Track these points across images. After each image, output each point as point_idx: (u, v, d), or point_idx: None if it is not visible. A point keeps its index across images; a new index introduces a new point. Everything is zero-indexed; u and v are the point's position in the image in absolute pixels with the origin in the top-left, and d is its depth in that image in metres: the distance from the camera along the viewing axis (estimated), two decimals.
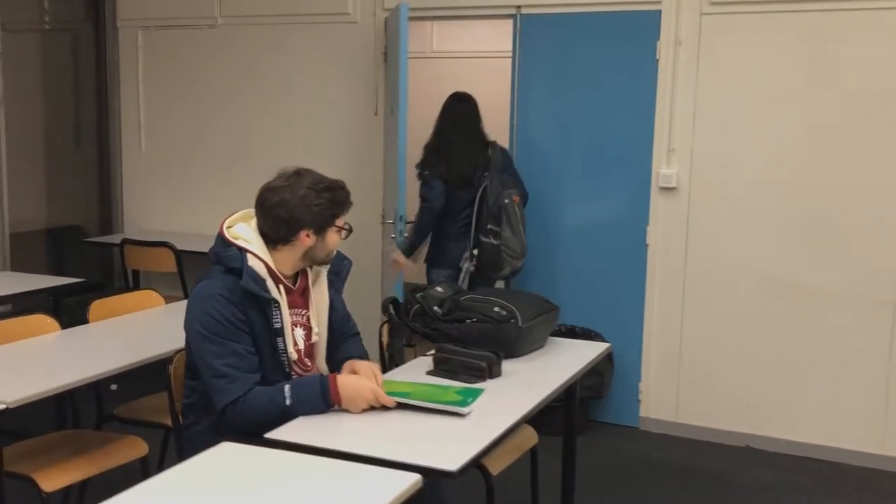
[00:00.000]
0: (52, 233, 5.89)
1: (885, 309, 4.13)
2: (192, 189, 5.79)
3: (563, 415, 3.16)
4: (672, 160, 4.47)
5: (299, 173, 2.51)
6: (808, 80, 4.19)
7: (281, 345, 2.50)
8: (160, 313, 3.58)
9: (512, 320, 2.86)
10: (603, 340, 4.50)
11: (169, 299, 4.06)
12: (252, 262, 2.44)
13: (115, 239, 5.48)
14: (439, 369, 2.76)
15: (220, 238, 2.51)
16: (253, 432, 2.24)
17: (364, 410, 2.37)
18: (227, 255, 2.45)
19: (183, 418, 2.61)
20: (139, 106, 5.87)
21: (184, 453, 2.50)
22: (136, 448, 3.02)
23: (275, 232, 2.48)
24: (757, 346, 4.39)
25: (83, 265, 5.85)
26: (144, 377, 3.02)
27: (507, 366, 2.77)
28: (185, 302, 3.82)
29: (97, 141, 6.00)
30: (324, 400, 2.36)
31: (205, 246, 5.11)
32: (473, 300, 3.00)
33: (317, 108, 5.35)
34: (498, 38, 5.98)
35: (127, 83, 5.89)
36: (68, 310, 4.26)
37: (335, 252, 2.63)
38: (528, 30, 4.70)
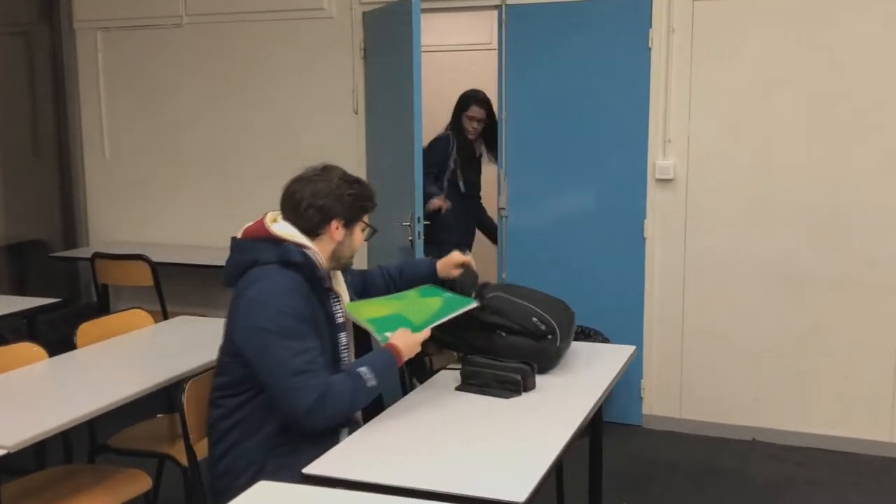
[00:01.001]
0: (13, 249, 5.56)
1: (892, 296, 4.08)
2: (163, 197, 5.53)
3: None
4: (668, 151, 4.36)
5: (328, 167, 2.50)
6: (807, 65, 4.11)
7: (343, 339, 2.49)
8: (152, 334, 3.36)
9: (550, 336, 2.68)
10: (603, 338, 4.40)
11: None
12: (314, 255, 2.41)
13: (83, 253, 5.20)
14: (469, 384, 2.60)
15: (266, 237, 2.41)
16: (332, 426, 2.33)
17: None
18: (286, 250, 2.38)
19: (216, 445, 2.42)
20: (101, 111, 5.58)
21: (220, 484, 2.39)
22: (139, 482, 2.80)
23: (307, 221, 2.43)
24: (761, 338, 4.32)
25: (48, 282, 5.55)
26: (134, 401, 2.78)
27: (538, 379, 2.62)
28: (178, 319, 3.66)
29: (57, 149, 5.69)
30: (396, 366, 2.43)
31: (180, 257, 5.09)
32: (507, 303, 2.75)
33: (293, 109, 5.14)
34: (474, 30, 5.85)
35: (87, 87, 5.61)
36: (42, 333, 4.00)
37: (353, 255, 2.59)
38: (514, 21, 4.54)
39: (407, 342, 2.46)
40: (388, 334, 2.48)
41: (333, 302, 2.48)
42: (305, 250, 2.40)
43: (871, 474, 3.99)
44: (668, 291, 4.45)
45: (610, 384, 2.65)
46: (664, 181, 4.37)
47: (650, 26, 4.30)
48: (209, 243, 5.30)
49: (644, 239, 4.44)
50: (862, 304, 4.13)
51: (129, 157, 5.59)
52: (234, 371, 2.37)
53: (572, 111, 4.51)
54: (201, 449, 2.56)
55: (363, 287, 2.82)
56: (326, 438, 2.35)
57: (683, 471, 4.07)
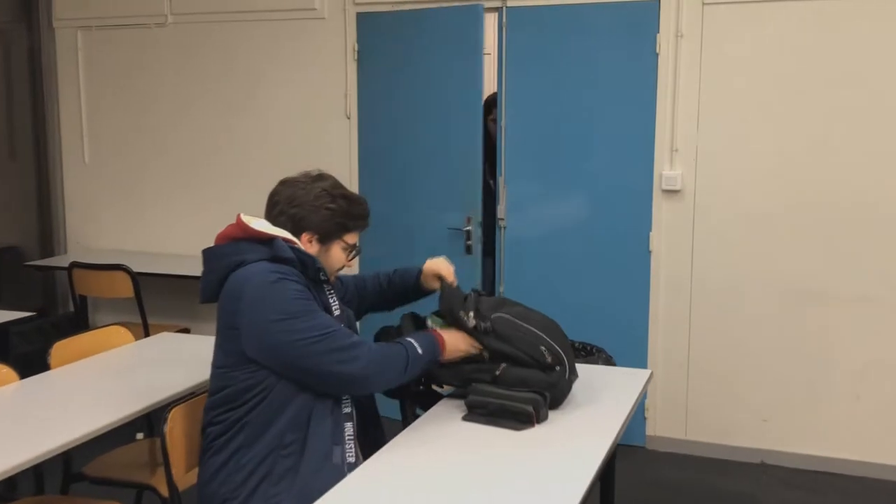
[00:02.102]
0: None
1: None
2: (145, 203, 5.31)
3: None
4: (675, 161, 4.18)
5: (322, 176, 2.36)
6: (820, 72, 3.94)
7: None
8: (132, 353, 3.13)
9: (558, 367, 2.43)
10: (606, 356, 4.21)
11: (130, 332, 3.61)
12: (302, 247, 2.27)
13: (61, 261, 4.96)
14: (476, 413, 2.40)
15: (249, 237, 2.24)
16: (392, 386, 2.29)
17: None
18: (276, 246, 2.22)
19: (214, 457, 2.21)
20: (81, 113, 5.36)
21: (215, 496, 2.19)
22: None
23: (280, 227, 2.29)
24: (770, 357, 4.15)
25: (24, 291, 5.31)
26: None
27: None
28: (160, 337, 3.43)
29: (34, 152, 5.46)
30: (439, 354, 2.35)
31: (163, 267, 4.85)
32: (512, 328, 2.43)
33: (282, 113, 4.93)
34: None
35: (66, 88, 5.38)
36: (16, 345, 3.77)
37: (336, 275, 2.41)
38: (515, 24, 4.35)
39: (455, 338, 2.38)
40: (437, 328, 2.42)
41: (329, 294, 2.33)
42: (294, 245, 2.25)
43: (887, 501, 3.82)
44: (674, 307, 4.28)
45: (627, 416, 2.45)
46: (671, 192, 4.20)
47: (658, 31, 4.13)
48: (194, 252, 4.98)
49: (649, 252, 4.27)
50: (877, 322, 3.97)
51: (111, 160, 5.37)
52: (237, 380, 2.18)
53: (575, 118, 4.33)
54: (185, 479, 2.35)
55: (357, 294, 2.66)
56: (336, 432, 2.22)
57: (689, 495, 3.90)
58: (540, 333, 2.45)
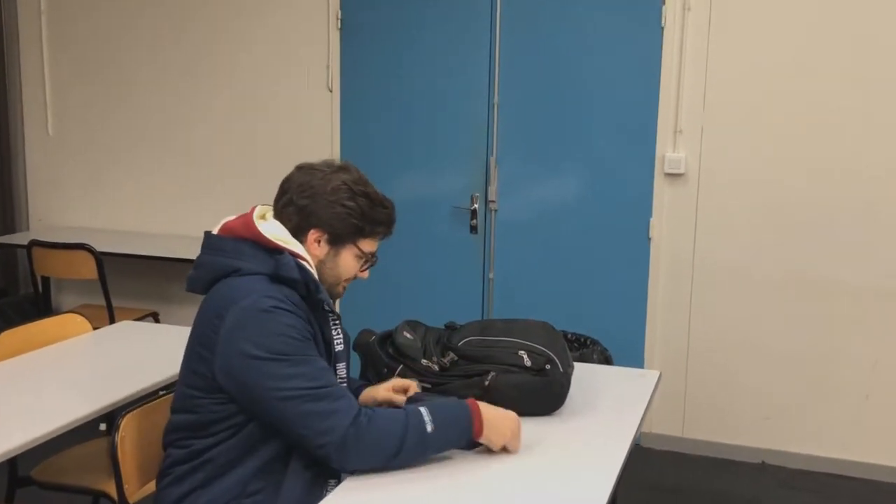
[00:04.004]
0: None
1: None
2: (113, 178, 5.01)
3: None
4: (679, 143, 3.94)
5: (345, 167, 2.03)
6: (837, 49, 3.70)
7: (342, 371, 2.00)
8: (89, 344, 2.85)
9: (548, 366, 2.21)
10: (601, 348, 3.99)
11: (94, 316, 3.33)
12: (311, 269, 1.94)
13: (21, 239, 4.66)
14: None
15: (253, 239, 1.92)
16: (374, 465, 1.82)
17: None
18: (283, 263, 1.89)
19: (170, 488, 1.94)
20: (44, 82, 5.05)
21: None
22: None
23: (285, 221, 1.97)
24: (774, 351, 3.94)
25: None
26: None
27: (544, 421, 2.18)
28: (121, 325, 3.14)
29: None
30: (468, 431, 1.88)
31: (130, 246, 4.53)
32: (480, 345, 2.27)
33: (259, 83, 4.64)
34: None
35: (28, 56, 5.06)
36: None
37: (347, 284, 2.08)
38: None
39: (502, 423, 1.93)
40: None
41: (333, 325, 1.99)
42: (302, 262, 1.92)
43: None
44: (674, 297, 4.05)
45: (639, 425, 2.22)
46: (673, 176, 3.96)
47: (663, 3, 3.87)
48: (165, 231, 4.82)
49: (649, 239, 4.03)
50: (888, 317, 3.77)
51: (76, 133, 5.05)
52: (206, 410, 1.88)
53: (573, 95, 4.07)
54: (143, 490, 2.10)
55: None
56: (315, 488, 1.91)
57: (685, 497, 3.71)
58: (518, 340, 2.26)
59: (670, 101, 3.92)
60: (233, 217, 1.98)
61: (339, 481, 1.90)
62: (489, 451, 1.95)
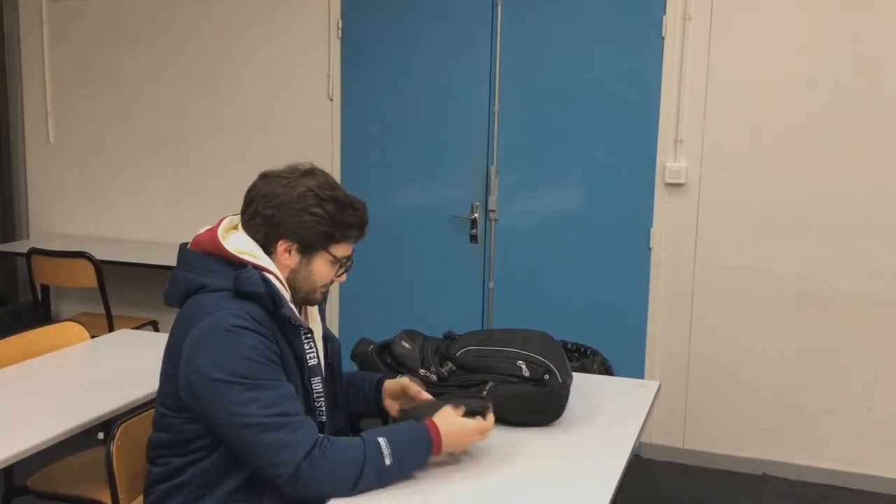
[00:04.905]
0: None
1: None
2: (113, 187, 5.00)
3: None
4: (680, 152, 3.93)
5: (311, 171, 1.93)
6: (837, 58, 3.69)
7: (318, 385, 1.93)
8: (86, 353, 2.84)
9: (547, 376, 2.20)
10: (601, 358, 3.97)
11: (93, 324, 3.32)
12: (276, 282, 1.86)
13: (21, 247, 4.65)
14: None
15: (217, 253, 1.88)
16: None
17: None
18: (244, 277, 1.83)
19: None
20: (45, 90, 5.05)
21: None
22: None
23: (252, 233, 1.91)
24: (775, 362, 3.91)
25: None
26: None
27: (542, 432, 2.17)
28: (119, 334, 3.13)
29: None
30: (427, 454, 1.85)
31: (131, 255, 4.52)
32: (478, 355, 2.27)
33: (259, 93, 4.64)
34: None
35: (29, 63, 5.07)
36: None
37: (326, 290, 2.00)
38: (510, 4, 4.08)
39: (452, 426, 1.88)
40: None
41: (305, 339, 1.92)
42: (267, 275, 1.86)
43: None
44: (675, 307, 4.03)
45: (638, 436, 2.20)
46: (674, 186, 3.95)
47: (664, 13, 3.87)
48: (164, 239, 4.81)
49: (649, 249, 4.02)
50: (890, 328, 3.74)
51: (76, 141, 5.05)
52: (177, 429, 1.86)
53: (573, 105, 4.06)
54: (138, 498, 2.08)
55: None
56: None
57: None
58: (517, 350, 2.26)
59: (671, 111, 3.91)
60: (204, 229, 1.95)
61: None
62: (487, 461, 1.94)
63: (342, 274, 1.98)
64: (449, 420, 1.89)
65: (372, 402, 2.16)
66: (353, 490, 1.76)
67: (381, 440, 1.79)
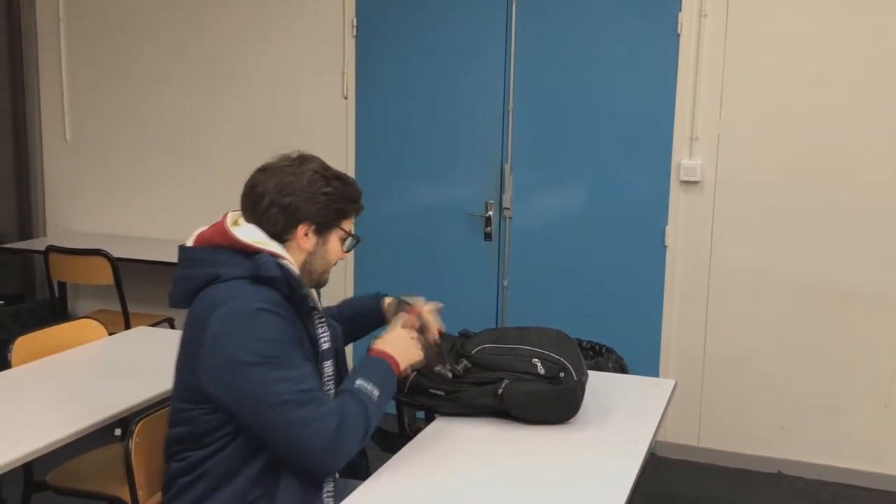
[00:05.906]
0: None
1: None
2: (130, 185, 5.03)
3: None
4: (695, 150, 3.92)
5: (304, 157, 2.04)
6: (854, 56, 3.67)
7: (329, 369, 2.00)
8: (103, 350, 2.86)
9: (562, 374, 2.21)
10: (616, 356, 3.97)
11: (109, 322, 3.34)
12: (292, 267, 1.94)
13: (38, 245, 4.68)
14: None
15: (229, 245, 1.92)
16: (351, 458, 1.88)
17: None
18: (260, 263, 1.89)
19: (172, 502, 1.94)
20: (62, 88, 5.08)
21: None
22: None
23: (270, 225, 1.97)
24: (791, 360, 3.90)
25: (0, 276, 5.04)
26: None
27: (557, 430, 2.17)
28: (136, 331, 3.15)
29: (12, 130, 5.16)
30: (391, 372, 2.00)
31: (148, 252, 4.54)
32: (493, 353, 2.29)
33: (274, 92, 4.65)
34: None
35: (47, 61, 5.09)
36: None
37: (330, 270, 2.09)
38: (525, 1, 4.08)
39: (398, 342, 2.06)
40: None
41: (318, 323, 1.99)
42: (282, 261, 1.92)
43: None
44: (690, 306, 4.02)
45: (654, 436, 2.20)
46: (689, 184, 3.93)
47: (680, 10, 3.85)
48: (180, 237, 4.72)
49: (665, 247, 4.01)
50: None
51: (93, 139, 5.08)
52: (197, 421, 1.88)
53: (588, 102, 4.06)
54: (156, 497, 2.10)
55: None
56: (311, 491, 1.91)
57: None
58: (531, 348, 2.27)
59: (686, 109, 3.90)
60: (205, 227, 1.99)
61: (335, 483, 1.93)
62: (502, 458, 1.94)
63: (349, 250, 2.10)
64: (382, 340, 2.05)
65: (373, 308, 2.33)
66: (366, 435, 1.89)
67: (360, 381, 1.91)
